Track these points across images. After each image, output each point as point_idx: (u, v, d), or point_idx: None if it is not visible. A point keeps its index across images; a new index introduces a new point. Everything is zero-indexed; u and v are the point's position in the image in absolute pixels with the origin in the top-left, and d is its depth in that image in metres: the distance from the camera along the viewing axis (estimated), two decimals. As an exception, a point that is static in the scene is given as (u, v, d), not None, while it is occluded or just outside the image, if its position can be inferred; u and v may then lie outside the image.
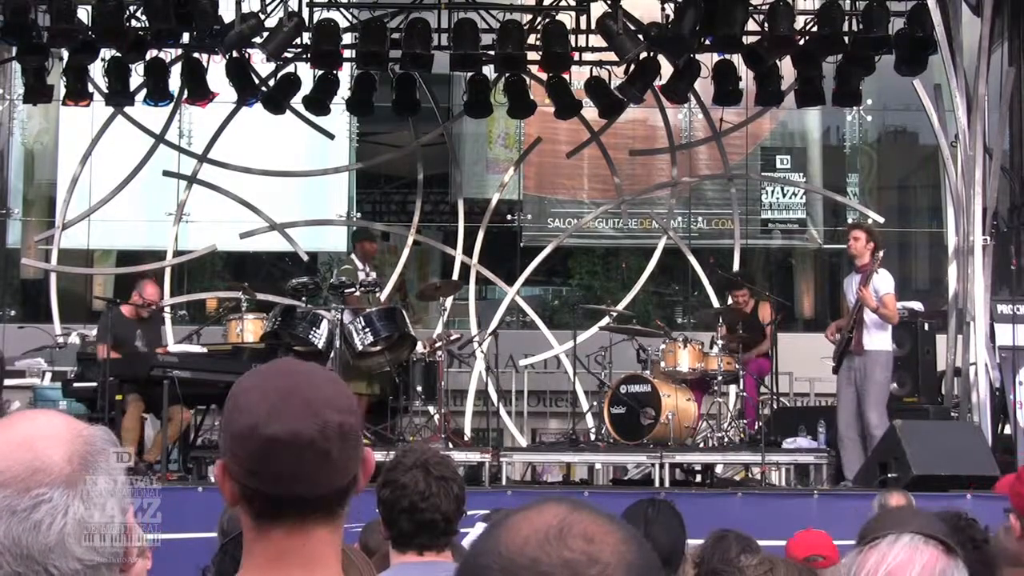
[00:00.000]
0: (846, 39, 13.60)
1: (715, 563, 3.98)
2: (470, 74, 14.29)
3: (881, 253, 10.10)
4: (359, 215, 20.18)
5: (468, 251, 16.12)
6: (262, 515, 1.79)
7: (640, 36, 13.42)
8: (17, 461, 1.47)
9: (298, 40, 13.73)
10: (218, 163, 16.13)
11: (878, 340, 10.05)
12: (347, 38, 14.01)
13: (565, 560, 1.27)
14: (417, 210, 16.62)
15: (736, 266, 15.46)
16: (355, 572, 2.63)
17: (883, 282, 10.06)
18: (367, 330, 10.29)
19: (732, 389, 11.89)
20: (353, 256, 12.24)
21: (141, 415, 10.14)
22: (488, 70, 14.53)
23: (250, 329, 10.60)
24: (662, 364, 10.92)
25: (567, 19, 13.94)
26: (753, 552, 4.08)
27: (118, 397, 9.58)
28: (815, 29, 13.75)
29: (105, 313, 10.71)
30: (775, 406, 12.11)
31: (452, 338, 12.01)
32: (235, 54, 13.94)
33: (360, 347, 10.30)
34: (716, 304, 15.22)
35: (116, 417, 9.46)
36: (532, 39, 14.03)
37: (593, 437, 11.63)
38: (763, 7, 13.43)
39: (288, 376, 1.82)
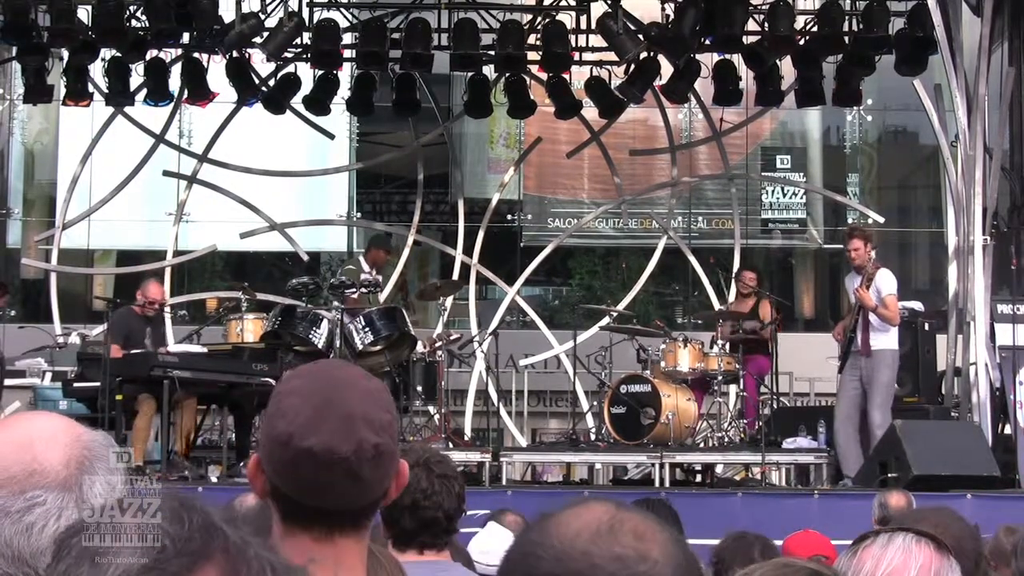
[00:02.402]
0: (846, 39, 13.60)
1: (737, 563, 3.97)
2: (470, 74, 14.29)
3: (873, 253, 10.10)
4: (359, 215, 20.18)
5: (468, 251, 16.13)
6: (288, 518, 1.80)
7: (640, 36, 13.43)
8: (15, 462, 1.46)
9: (298, 40, 13.73)
10: (218, 163, 16.14)
11: (884, 340, 10.01)
12: (347, 38, 14.01)
13: (616, 555, 1.32)
14: (417, 210, 16.64)
15: (736, 263, 15.45)
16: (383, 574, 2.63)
17: (885, 282, 10.03)
18: (367, 330, 10.28)
19: (732, 389, 11.90)
20: (361, 258, 12.25)
21: (152, 415, 10.10)
22: (488, 70, 14.53)
23: (250, 329, 10.59)
24: (662, 364, 10.91)
25: (567, 19, 13.95)
26: (773, 553, 4.09)
27: (119, 397, 9.56)
28: (815, 29, 13.76)
29: (109, 313, 10.71)
30: (775, 406, 12.10)
31: (452, 338, 12.00)
32: (235, 54, 13.95)
33: (360, 347, 10.28)
34: (716, 304, 15.26)
35: (117, 417, 9.44)
36: (532, 39, 14.03)
37: (593, 437, 11.62)
38: (763, 7, 13.43)
39: (332, 384, 1.80)
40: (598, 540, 1.33)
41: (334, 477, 1.74)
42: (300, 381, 1.81)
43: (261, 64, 14.97)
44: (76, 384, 10.85)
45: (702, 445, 10.99)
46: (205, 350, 10.84)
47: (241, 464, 9.76)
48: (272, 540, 1.83)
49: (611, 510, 1.38)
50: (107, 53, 13.92)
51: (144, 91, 14.16)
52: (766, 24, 13.40)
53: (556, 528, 1.37)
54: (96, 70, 14.51)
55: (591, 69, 14.35)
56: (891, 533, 2.45)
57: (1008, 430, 10.22)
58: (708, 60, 14.04)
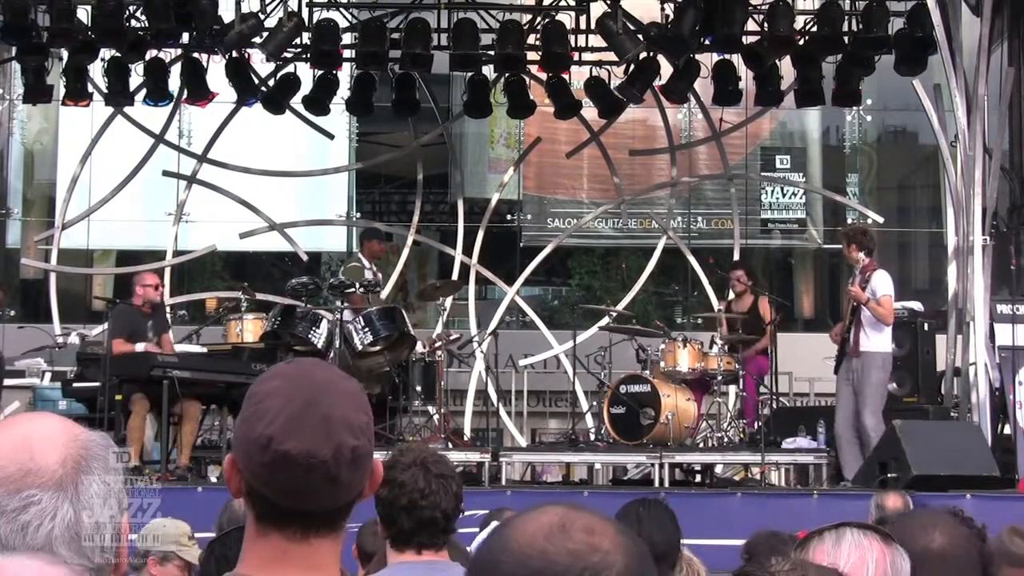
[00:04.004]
0: (846, 39, 13.60)
1: (762, 554, 3.96)
2: (470, 74, 14.30)
3: (863, 255, 10.11)
4: (359, 215, 20.18)
5: (468, 251, 16.12)
6: (263, 517, 1.80)
7: (640, 36, 13.42)
8: (12, 461, 1.47)
9: (298, 40, 13.73)
10: (218, 163, 16.14)
11: (875, 341, 10.01)
12: (347, 38, 14.01)
13: (570, 550, 1.42)
14: (417, 210, 16.64)
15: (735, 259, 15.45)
16: None
17: (881, 283, 10.04)
18: (367, 330, 10.29)
19: (732, 389, 11.89)
20: (359, 254, 12.28)
21: (146, 414, 10.11)
22: (488, 70, 14.53)
23: (250, 329, 10.60)
24: (662, 364, 10.91)
25: (567, 19, 13.94)
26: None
27: (118, 397, 9.56)
28: (815, 29, 13.75)
29: (109, 313, 10.71)
30: (775, 406, 12.10)
31: (452, 338, 12.01)
32: (235, 54, 13.94)
33: (360, 347, 10.29)
34: (716, 304, 15.25)
35: (116, 417, 9.45)
36: (532, 39, 14.03)
37: (593, 437, 11.62)
38: (763, 7, 13.43)
39: (310, 385, 1.79)
40: (552, 538, 1.43)
41: (312, 480, 1.74)
42: (279, 382, 1.80)
43: (261, 64, 14.96)
44: (76, 384, 10.86)
45: (701, 445, 10.99)
46: (205, 350, 10.85)
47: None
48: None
49: (562, 511, 1.48)
50: (107, 53, 13.92)
51: (144, 91, 14.16)
52: (766, 24, 13.39)
53: (512, 532, 1.46)
54: (96, 70, 14.51)
55: (591, 69, 14.35)
56: (838, 529, 2.46)
57: (1008, 430, 10.22)
58: (708, 60, 14.04)
